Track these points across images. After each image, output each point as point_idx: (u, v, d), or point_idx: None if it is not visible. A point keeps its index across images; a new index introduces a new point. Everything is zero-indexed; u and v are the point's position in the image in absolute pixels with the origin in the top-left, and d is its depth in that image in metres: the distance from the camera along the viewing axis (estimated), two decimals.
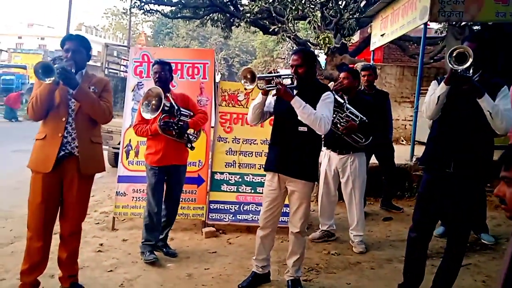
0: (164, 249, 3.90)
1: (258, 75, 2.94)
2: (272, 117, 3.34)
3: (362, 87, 4.94)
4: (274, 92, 3.01)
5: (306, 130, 3.02)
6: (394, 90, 9.04)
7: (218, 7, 13.44)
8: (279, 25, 11.00)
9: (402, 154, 6.16)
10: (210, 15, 14.49)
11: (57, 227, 2.97)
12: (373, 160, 5.18)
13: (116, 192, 4.62)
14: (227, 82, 5.36)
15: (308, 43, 11.60)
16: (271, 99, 3.18)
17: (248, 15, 11.66)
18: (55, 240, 3.02)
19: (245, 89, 3.07)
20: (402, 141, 8.86)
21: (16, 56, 31.73)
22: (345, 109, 3.97)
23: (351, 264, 3.79)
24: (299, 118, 2.96)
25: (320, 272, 3.59)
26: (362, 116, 3.99)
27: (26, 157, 2.91)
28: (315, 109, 2.99)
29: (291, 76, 3.11)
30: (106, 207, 5.37)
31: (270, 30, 11.63)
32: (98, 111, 2.88)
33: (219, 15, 14.44)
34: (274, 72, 3.14)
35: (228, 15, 13.99)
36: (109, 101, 2.98)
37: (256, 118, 3.20)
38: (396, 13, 7.74)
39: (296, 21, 12.74)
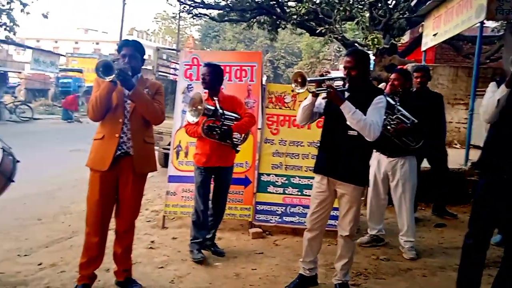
0: (212, 248, 3.98)
1: (308, 78, 2.93)
2: (320, 119, 3.32)
3: (414, 89, 4.80)
4: (324, 95, 3.00)
5: (356, 134, 2.98)
6: (447, 92, 8.70)
7: (264, 10, 13.51)
8: (326, 26, 10.89)
9: (455, 158, 5.93)
10: (257, 17, 14.59)
11: (112, 223, 3.12)
12: (425, 164, 5.02)
13: (167, 191, 4.77)
14: (274, 84, 5.39)
15: (356, 44, 11.41)
16: (321, 100, 3.15)
17: (295, 16, 11.64)
18: (111, 236, 3.17)
19: (292, 91, 3.07)
20: (456, 144, 8.50)
21: (73, 60, 33.50)
22: (396, 111, 3.88)
23: (401, 271, 3.69)
24: (347, 122, 2.93)
25: (369, 278, 3.53)
26: (413, 119, 3.88)
27: (83, 156, 3.08)
28: (366, 112, 2.94)
29: (342, 78, 3.07)
30: (156, 205, 5.56)
31: (317, 31, 11.54)
32: (152, 112, 3.00)
33: (266, 18, 14.51)
34: (326, 75, 3.12)
35: (274, 17, 14.03)
36: (161, 103, 3.09)
37: (305, 118, 3.20)
38: (450, 11, 7.45)
39: (343, 22, 12.56)
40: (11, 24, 15.71)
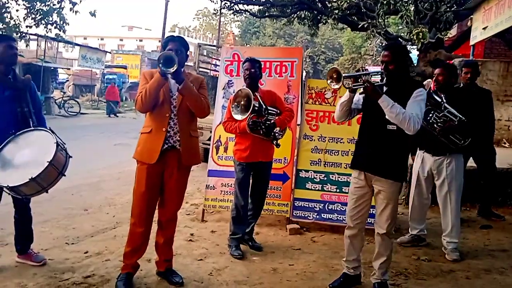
0: (250, 243, 4.02)
1: (344, 74, 2.93)
2: (360, 115, 3.28)
3: (461, 85, 4.62)
4: (361, 90, 2.96)
5: (395, 128, 2.93)
6: (496, 88, 8.29)
7: (305, 5, 13.38)
8: (369, 21, 10.64)
9: (504, 158, 5.66)
10: (297, 13, 14.48)
11: (155, 214, 3.22)
12: (472, 163, 4.83)
13: (206, 185, 4.85)
14: (314, 79, 5.33)
15: (400, 39, 11.09)
16: (359, 96, 3.12)
17: (336, 11, 11.44)
18: (153, 227, 3.26)
19: (346, 88, 3.05)
20: (505, 143, 8.11)
21: (118, 57, 34.61)
22: (442, 108, 3.75)
23: (444, 272, 3.58)
24: (386, 117, 2.89)
25: (409, 278, 3.45)
26: (460, 116, 3.74)
27: (126, 150, 3.19)
28: (405, 106, 2.89)
29: (380, 73, 3.02)
30: (196, 199, 5.67)
31: (359, 26, 11.29)
32: (199, 105, 3.07)
33: (306, 13, 14.37)
34: (363, 70, 3.09)
35: (315, 12, 13.87)
36: (206, 96, 3.16)
37: (344, 115, 3.17)
38: (501, 4, 7.08)
39: (386, 16, 12.23)
40: (61, 22, 16.39)
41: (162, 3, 25.70)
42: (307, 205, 4.64)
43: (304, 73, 4.97)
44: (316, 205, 4.62)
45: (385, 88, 3.01)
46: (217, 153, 4.90)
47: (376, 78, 3.02)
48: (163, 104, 3.03)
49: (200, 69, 9.29)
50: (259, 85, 4.01)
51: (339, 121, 3.33)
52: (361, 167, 3.12)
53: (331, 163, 4.64)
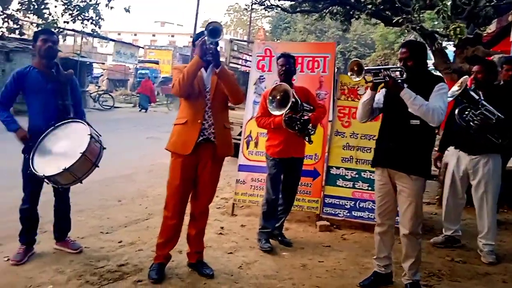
0: (280, 238, 4.03)
1: (365, 68, 2.92)
2: None
3: (501, 82, 4.45)
4: (382, 84, 2.94)
5: (418, 123, 2.89)
6: None
7: (338, 0, 13.20)
8: (403, 16, 10.39)
9: None
10: (329, 8, 14.30)
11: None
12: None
13: (236, 179, 4.89)
14: (347, 75, 5.25)
15: (436, 34, 10.78)
16: (380, 95, 3.10)
17: (370, 6, 11.22)
18: (185, 219, 3.31)
19: (366, 82, 3.03)
20: None
21: (150, 52, 35.23)
22: (480, 106, 3.63)
23: (479, 274, 3.49)
24: (409, 110, 2.86)
25: (443, 279, 3.37)
26: (499, 114, 3.61)
27: (158, 143, 3.26)
28: (428, 101, 2.86)
29: (400, 69, 2.98)
30: (226, 193, 5.72)
31: (393, 21, 11.03)
32: (236, 89, 3.12)
33: (339, 8, 14.18)
34: (382, 65, 3.06)
35: (348, 7, 13.66)
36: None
37: (365, 115, 3.16)
38: None
39: (422, 11, 11.91)
40: (97, 18, 16.81)
41: None
42: (338, 202, 4.61)
43: (336, 69, 4.92)
44: (347, 202, 4.58)
45: (405, 85, 2.96)
46: (247, 148, 4.93)
47: (396, 74, 3.00)
48: (198, 96, 3.08)
49: (231, 65, 9.34)
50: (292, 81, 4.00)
51: (361, 121, 3.30)
52: (383, 164, 3.10)
53: (363, 161, 4.58)
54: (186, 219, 3.31)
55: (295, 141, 3.83)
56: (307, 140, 3.92)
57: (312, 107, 3.88)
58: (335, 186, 4.64)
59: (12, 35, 15.96)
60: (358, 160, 4.60)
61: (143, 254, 3.54)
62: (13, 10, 15.22)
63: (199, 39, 3.03)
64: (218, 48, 3.19)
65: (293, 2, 14.77)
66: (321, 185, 4.68)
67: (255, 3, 14.99)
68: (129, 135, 11.22)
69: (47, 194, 3.46)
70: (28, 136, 3.23)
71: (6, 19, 15.06)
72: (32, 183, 3.25)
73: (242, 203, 4.92)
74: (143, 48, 32.95)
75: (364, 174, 4.56)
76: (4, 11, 14.97)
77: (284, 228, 4.21)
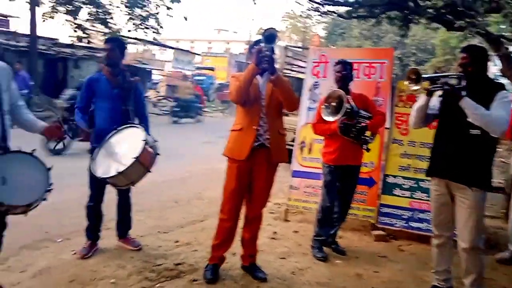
0: (333, 246, 3.99)
1: (423, 75, 2.83)
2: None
3: None
4: (440, 93, 2.82)
5: (479, 133, 2.76)
6: None
7: (396, 4, 12.84)
8: (467, 20, 9.93)
9: None
10: (387, 13, 13.96)
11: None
12: None
13: (290, 185, 4.90)
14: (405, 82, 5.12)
15: (502, 39, 10.20)
16: (435, 101, 2.98)
17: (430, 10, 10.83)
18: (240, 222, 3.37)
19: (425, 89, 2.94)
20: None
21: (206, 59, 36.16)
22: None
23: None
24: (470, 120, 2.73)
25: None
26: None
27: (213, 148, 3.33)
28: (487, 110, 2.72)
29: (458, 76, 2.85)
30: (279, 199, 5.73)
31: (455, 25, 10.58)
32: (291, 96, 3.14)
33: (397, 13, 13.81)
34: (441, 72, 2.94)
35: (406, 11, 13.27)
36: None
37: (419, 121, 3.08)
38: None
39: (487, 14, 11.32)
40: (157, 26, 17.59)
41: (250, 6, 26.36)
42: (395, 212, 4.48)
43: (394, 76, 4.81)
44: (404, 212, 4.44)
45: (464, 93, 2.82)
46: (301, 154, 4.93)
47: (454, 81, 2.87)
48: (253, 103, 3.13)
49: (285, 71, 9.37)
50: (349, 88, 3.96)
51: (414, 127, 3.20)
52: (440, 174, 2.99)
53: (422, 170, 4.40)
54: (241, 222, 3.37)
55: (351, 149, 3.78)
56: (364, 147, 3.85)
57: (369, 114, 3.82)
58: (391, 195, 4.52)
59: (80, 44, 17.08)
60: (417, 169, 4.44)
61: (199, 255, 3.64)
62: (82, 20, 16.29)
63: (256, 46, 3.10)
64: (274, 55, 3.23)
65: (349, 8, 14.58)
66: (377, 193, 4.58)
67: (310, 10, 14.98)
68: (186, 139, 11.56)
69: (111, 193, 3.65)
70: (89, 135, 3.45)
71: (76, 29, 16.15)
72: (96, 182, 3.45)
73: (295, 209, 4.92)
74: (199, 55, 33.90)
75: (422, 184, 4.40)
76: (74, 21, 16.05)
77: (338, 236, 4.16)
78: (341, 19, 19.12)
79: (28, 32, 15.16)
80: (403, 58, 37.44)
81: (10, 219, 2.66)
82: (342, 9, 15.05)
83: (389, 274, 3.50)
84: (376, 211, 4.52)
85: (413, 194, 4.44)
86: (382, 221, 4.51)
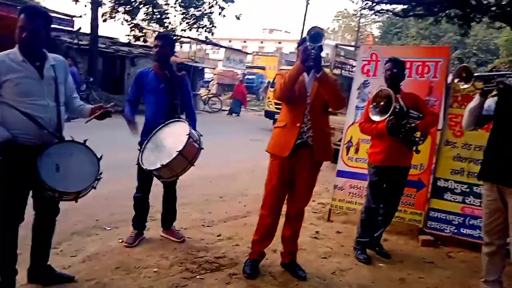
0: (377, 248, 3.88)
1: (475, 74, 2.71)
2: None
3: None
4: (494, 92, 2.66)
5: None
6: None
7: (456, 2, 12.27)
8: None
9: None
10: (446, 11, 13.36)
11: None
12: None
13: (334, 185, 4.81)
14: None
15: None
16: (491, 102, 2.81)
17: (494, 8, 10.27)
18: (281, 219, 3.36)
19: (477, 89, 2.78)
20: None
21: (257, 58, 36.35)
22: None
23: None
24: None
25: None
26: None
27: (260, 146, 3.32)
28: None
29: None
30: (323, 198, 5.67)
31: None
32: (337, 95, 3.08)
33: (457, 11, 13.18)
34: (495, 71, 2.75)
35: (467, 10, 12.64)
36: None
37: (472, 122, 2.92)
38: None
39: None
40: (211, 26, 17.94)
41: (303, 6, 26.21)
42: (444, 217, 4.28)
43: (450, 77, 4.57)
44: (455, 218, 4.23)
45: None
46: (347, 154, 4.83)
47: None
48: (298, 100, 3.11)
49: (336, 70, 9.23)
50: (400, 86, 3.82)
51: (467, 129, 3.04)
52: (493, 179, 2.82)
53: (476, 174, 4.18)
54: (283, 220, 3.36)
55: (399, 149, 3.65)
56: (413, 149, 3.71)
57: (420, 114, 3.67)
58: (442, 200, 4.32)
59: (137, 42, 17.77)
60: (470, 173, 4.21)
61: (239, 249, 3.67)
62: (139, 20, 16.94)
63: (302, 44, 3.07)
64: (323, 54, 3.19)
65: (405, 6, 14.10)
66: (426, 197, 4.40)
67: (365, 8, 14.64)
68: (235, 136, 11.70)
69: (158, 186, 3.77)
70: (135, 128, 3.53)
71: (133, 28, 16.83)
72: (143, 174, 3.57)
73: (339, 209, 4.83)
74: (251, 54, 34.14)
75: (476, 189, 4.16)
76: (132, 21, 16.74)
77: (383, 239, 4.04)
78: (397, 18, 18.55)
79: (90, 31, 16.00)
80: (464, 59, 35.69)
81: (63, 206, 2.83)
82: (398, 8, 14.61)
83: (435, 281, 3.35)
84: (424, 215, 4.34)
85: (466, 199, 4.22)
86: (431, 225, 4.32)
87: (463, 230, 4.19)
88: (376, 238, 3.89)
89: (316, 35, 2.91)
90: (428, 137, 4.09)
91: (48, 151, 2.50)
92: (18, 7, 2.68)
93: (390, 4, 14.18)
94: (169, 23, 17.30)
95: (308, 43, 2.92)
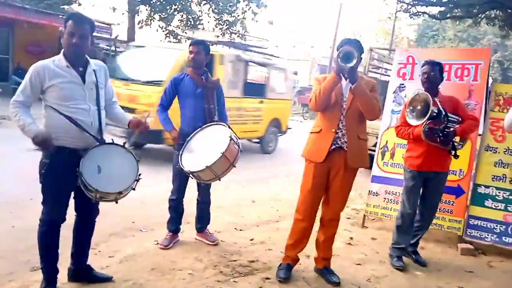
0: (414, 256, 3.78)
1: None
2: None
3: None
4: None
5: None
6: None
7: (497, 3, 11.86)
8: None
9: None
10: (486, 12, 12.94)
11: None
12: None
13: (369, 191, 4.73)
14: (503, 84, 4.71)
15: None
16: None
17: None
18: (315, 224, 3.33)
19: None
20: None
21: (289, 62, 36.31)
22: None
23: None
24: None
25: None
26: None
27: (294, 150, 3.29)
28: None
29: None
30: (357, 204, 5.58)
31: None
32: (371, 106, 3.03)
33: (498, 12, 12.74)
34: None
35: (509, 10, 12.20)
36: (377, 99, 3.10)
37: None
38: None
39: None
40: (243, 31, 18.10)
41: (336, 9, 26.00)
42: (485, 225, 4.13)
43: (491, 80, 4.42)
44: (497, 226, 4.08)
45: None
46: (382, 159, 4.74)
47: None
48: (334, 106, 3.09)
49: (370, 74, 9.09)
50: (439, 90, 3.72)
51: (509, 132, 2.88)
52: None
53: None
54: (317, 225, 3.33)
55: (437, 154, 3.55)
56: (452, 154, 3.60)
57: (459, 119, 3.56)
58: (482, 207, 4.17)
59: None
60: None
61: (272, 254, 3.67)
62: (173, 26, 17.32)
63: (339, 50, 3.05)
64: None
65: (443, 8, 13.74)
66: (466, 204, 4.25)
67: (399, 11, 14.38)
68: None
69: (192, 189, 3.82)
70: (179, 136, 3.62)
71: (168, 35, 17.22)
72: (180, 177, 3.64)
73: (374, 215, 4.74)
74: (283, 59, 34.08)
75: None
76: (167, 28, 17.13)
77: (420, 246, 3.94)
78: (434, 20, 18.08)
79: (126, 38, 16.48)
80: (504, 62, 34.40)
81: (101, 208, 2.92)
82: (435, 10, 14.26)
83: None
84: (463, 222, 4.20)
85: (508, 206, 4.06)
86: (470, 234, 4.18)
87: (506, 238, 4.02)
88: (413, 245, 3.79)
89: (347, 54, 2.89)
90: (468, 142, 3.97)
91: (90, 153, 2.59)
92: (61, 16, 2.80)
93: (426, 6, 13.88)
94: (203, 29, 17.57)
95: (340, 63, 2.90)
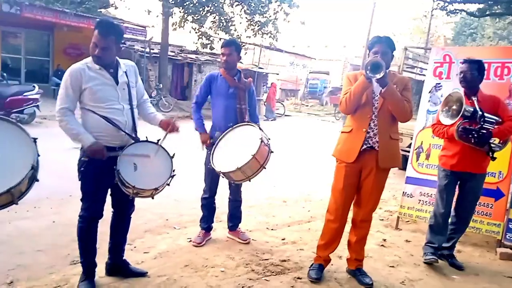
0: (450, 259, 3.68)
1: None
2: None
3: None
4: None
5: None
6: None
7: None
8: None
9: None
10: None
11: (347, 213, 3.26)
12: None
13: (403, 192, 4.64)
14: None
15: None
16: None
17: None
18: (347, 225, 3.31)
19: None
20: None
21: (321, 63, 36.04)
22: None
23: None
24: None
25: None
26: None
27: (325, 150, 3.26)
28: None
29: None
30: (390, 206, 5.49)
31: None
32: (401, 110, 2.99)
33: None
34: None
35: None
36: (409, 99, 3.04)
37: None
38: None
39: None
40: (275, 32, 18.10)
41: (369, 8, 25.59)
42: None
43: None
44: None
45: None
46: (417, 160, 4.64)
47: None
48: (365, 105, 3.06)
49: (404, 74, 8.90)
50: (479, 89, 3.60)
51: None
52: None
53: None
54: (349, 226, 3.30)
55: (473, 155, 3.44)
56: (490, 155, 3.48)
57: (498, 119, 3.43)
58: None
59: (204, 50, 18.39)
60: None
61: (304, 254, 3.66)
62: (206, 28, 17.54)
63: (371, 51, 3.02)
64: (394, 53, 3.10)
65: (481, 5, 13.28)
66: (506, 207, 4.10)
67: (436, 9, 14.02)
68: (297, 141, 11.69)
69: (224, 188, 3.86)
70: (209, 140, 3.65)
71: (200, 36, 17.45)
72: (211, 176, 3.69)
73: (408, 217, 4.64)
74: (315, 59, 33.90)
75: None
76: (200, 29, 17.36)
77: (456, 250, 3.83)
78: (472, 18, 17.51)
79: (160, 40, 16.82)
80: None
81: (136, 206, 3.01)
82: (473, 7, 13.82)
83: None
84: (503, 226, 4.05)
85: None
86: (510, 238, 4.02)
87: None
88: (449, 248, 3.69)
89: (374, 65, 2.86)
90: (508, 144, 3.83)
91: (126, 151, 2.67)
92: (98, 20, 2.88)
93: (464, 4, 13.47)
94: (235, 30, 17.70)
95: (368, 74, 2.87)
